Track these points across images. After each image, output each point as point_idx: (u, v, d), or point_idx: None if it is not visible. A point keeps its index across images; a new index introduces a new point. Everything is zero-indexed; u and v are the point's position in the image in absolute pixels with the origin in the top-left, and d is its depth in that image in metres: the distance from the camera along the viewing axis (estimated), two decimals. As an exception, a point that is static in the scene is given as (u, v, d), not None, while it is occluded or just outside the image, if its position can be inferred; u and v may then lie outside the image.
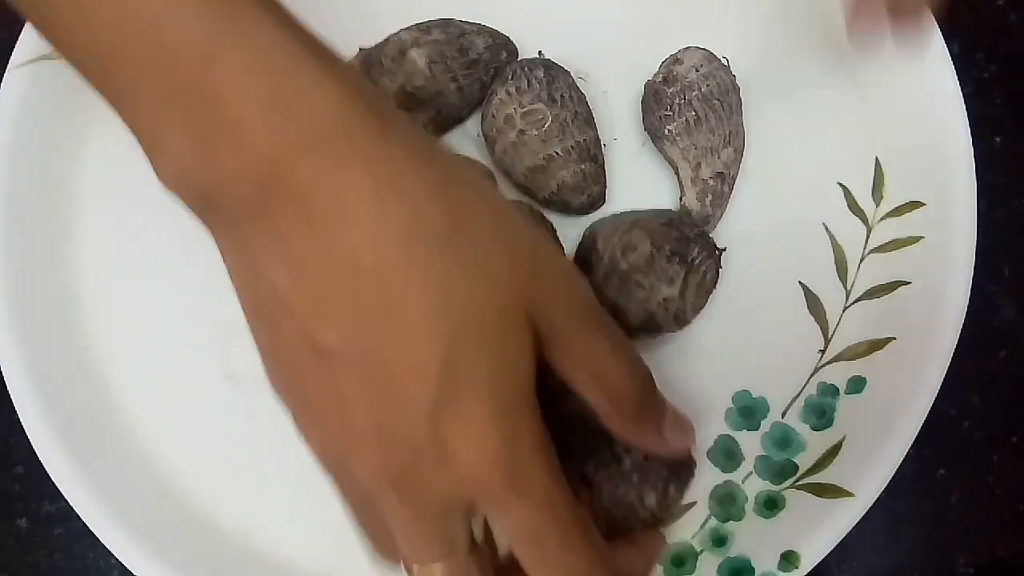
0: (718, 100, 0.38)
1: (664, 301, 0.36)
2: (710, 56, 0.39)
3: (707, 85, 0.38)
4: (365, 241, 0.25)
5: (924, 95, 0.39)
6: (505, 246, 0.27)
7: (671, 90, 0.38)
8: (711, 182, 0.38)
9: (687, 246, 0.36)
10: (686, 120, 0.38)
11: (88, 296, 0.40)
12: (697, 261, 0.36)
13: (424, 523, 0.28)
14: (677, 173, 0.39)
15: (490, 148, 0.39)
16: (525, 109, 0.38)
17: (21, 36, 0.40)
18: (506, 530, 0.29)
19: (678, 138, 0.38)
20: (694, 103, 0.38)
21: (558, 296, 0.29)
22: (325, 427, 0.28)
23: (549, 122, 0.38)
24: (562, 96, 0.38)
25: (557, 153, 0.38)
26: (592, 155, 0.39)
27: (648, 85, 0.39)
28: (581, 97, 0.39)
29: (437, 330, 0.26)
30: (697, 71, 0.38)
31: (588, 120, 0.39)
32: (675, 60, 0.39)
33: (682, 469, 0.35)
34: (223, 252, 0.28)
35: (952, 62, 0.39)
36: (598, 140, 0.39)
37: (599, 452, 0.34)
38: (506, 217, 0.28)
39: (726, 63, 0.39)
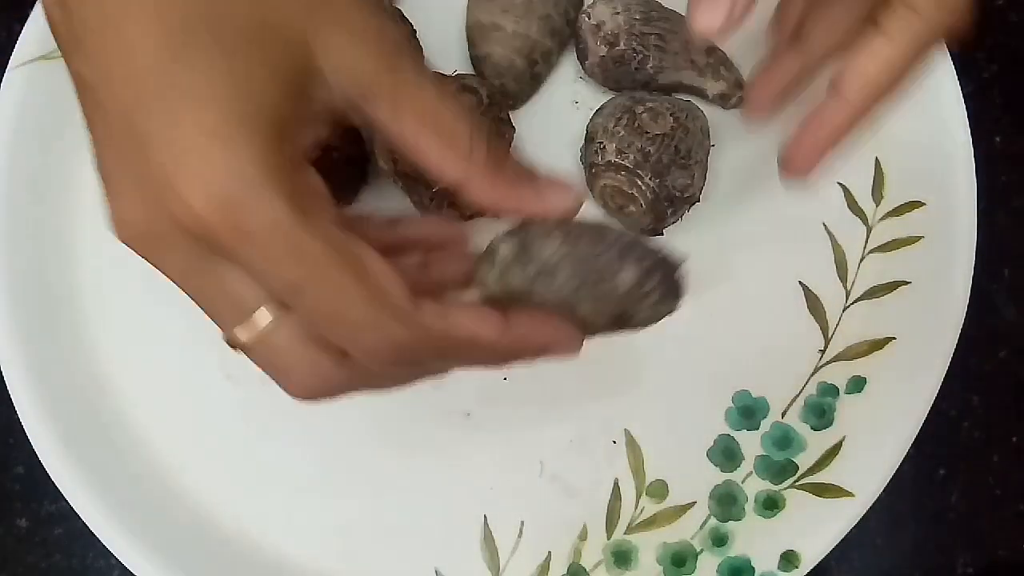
0: (655, 11, 0.39)
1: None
2: None
3: (636, 15, 0.38)
4: None
5: (924, 95, 0.39)
6: None
7: (622, 46, 0.38)
8: (713, 60, 0.39)
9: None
10: (654, 46, 0.38)
11: (88, 296, 0.40)
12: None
13: (191, 287, 0.25)
14: (689, 85, 0.39)
15: None
16: None
17: (21, 36, 0.40)
18: (259, 284, 0.25)
19: (662, 62, 0.38)
20: (643, 34, 0.38)
21: (357, 36, 0.26)
22: (101, 182, 0.25)
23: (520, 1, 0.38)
24: (557, 4, 0.38)
25: (504, 26, 0.38)
26: (532, 60, 0.38)
27: (600, 63, 0.39)
28: (568, 18, 0.39)
29: (152, 41, 0.23)
30: (617, 14, 0.38)
31: (554, 32, 0.39)
32: (596, 28, 0.38)
33: (673, 282, 0.30)
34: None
35: (952, 62, 0.39)
36: (551, 54, 0.39)
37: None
38: None
39: None
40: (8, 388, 0.38)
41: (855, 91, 0.30)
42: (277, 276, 0.24)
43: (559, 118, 0.40)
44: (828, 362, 0.39)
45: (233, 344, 0.26)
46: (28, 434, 0.37)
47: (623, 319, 0.29)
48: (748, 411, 0.38)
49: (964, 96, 0.39)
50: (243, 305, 0.25)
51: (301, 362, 0.26)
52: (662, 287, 0.29)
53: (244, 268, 0.24)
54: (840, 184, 0.40)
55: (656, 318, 0.30)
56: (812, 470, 0.37)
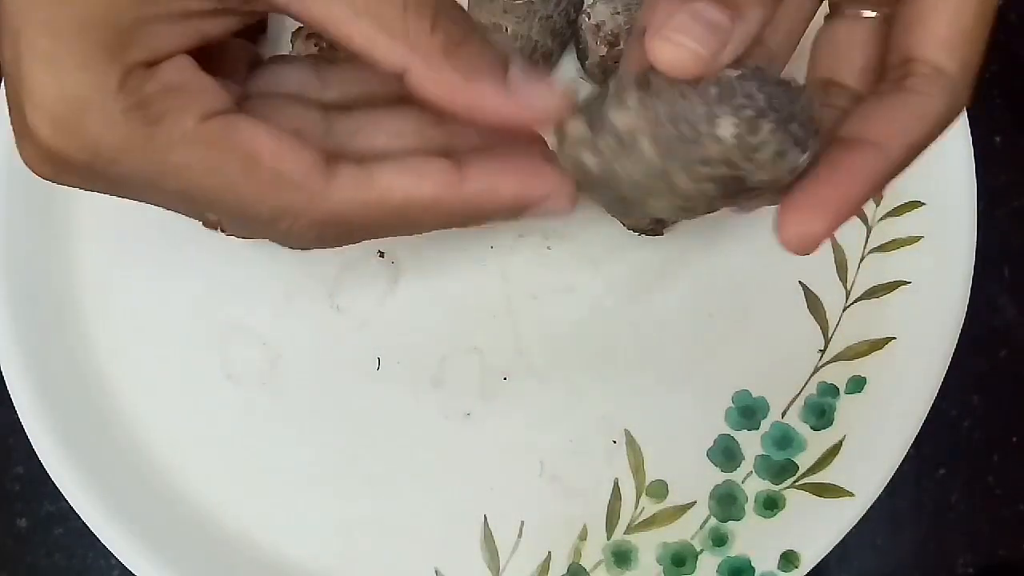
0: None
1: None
2: None
3: (637, 14, 0.38)
4: None
5: (924, 95, 0.39)
6: None
7: (622, 46, 0.38)
8: None
9: None
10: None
11: (88, 296, 0.40)
12: None
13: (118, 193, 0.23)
14: None
15: None
16: None
17: (21, 36, 0.40)
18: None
19: None
20: None
21: None
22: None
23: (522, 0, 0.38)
24: (558, 4, 0.38)
25: (505, 27, 0.38)
26: (533, 61, 0.38)
27: (600, 63, 0.38)
28: (569, 18, 0.39)
29: None
30: (617, 13, 0.38)
31: (556, 33, 0.39)
32: (596, 28, 0.38)
33: (795, 124, 0.23)
34: None
35: (952, 62, 0.39)
36: (551, 55, 0.39)
37: None
38: None
39: None
40: (8, 388, 0.38)
41: (896, 146, 0.25)
42: (162, 191, 0.22)
43: (559, 118, 0.40)
44: (828, 362, 0.39)
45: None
46: (28, 434, 0.37)
47: (736, 185, 0.22)
48: (748, 411, 0.38)
49: (964, 96, 0.39)
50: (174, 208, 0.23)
51: (267, 237, 0.24)
52: (779, 133, 0.22)
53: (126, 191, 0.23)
54: (840, 184, 0.40)
55: (780, 176, 0.23)
56: (812, 470, 0.37)
